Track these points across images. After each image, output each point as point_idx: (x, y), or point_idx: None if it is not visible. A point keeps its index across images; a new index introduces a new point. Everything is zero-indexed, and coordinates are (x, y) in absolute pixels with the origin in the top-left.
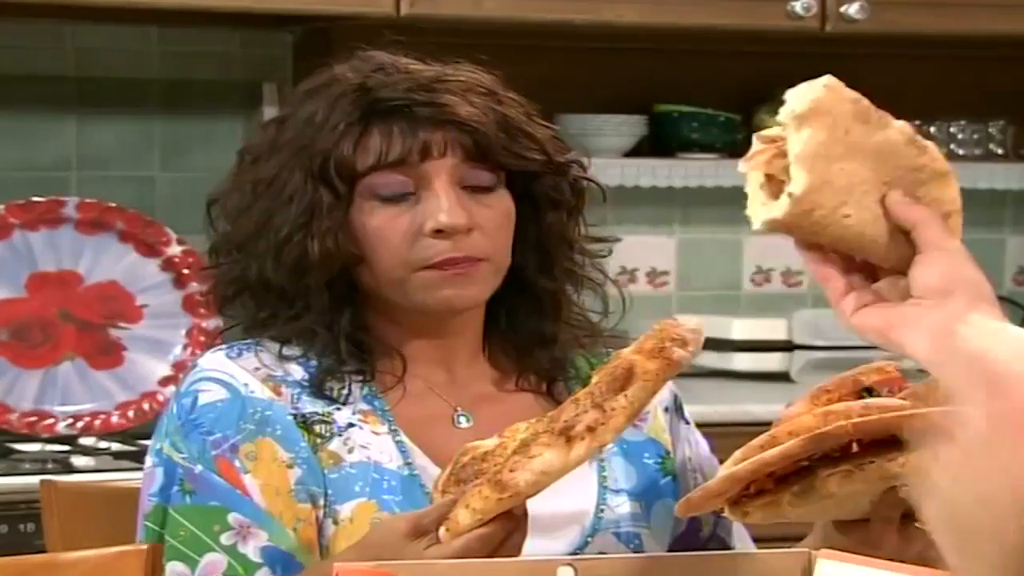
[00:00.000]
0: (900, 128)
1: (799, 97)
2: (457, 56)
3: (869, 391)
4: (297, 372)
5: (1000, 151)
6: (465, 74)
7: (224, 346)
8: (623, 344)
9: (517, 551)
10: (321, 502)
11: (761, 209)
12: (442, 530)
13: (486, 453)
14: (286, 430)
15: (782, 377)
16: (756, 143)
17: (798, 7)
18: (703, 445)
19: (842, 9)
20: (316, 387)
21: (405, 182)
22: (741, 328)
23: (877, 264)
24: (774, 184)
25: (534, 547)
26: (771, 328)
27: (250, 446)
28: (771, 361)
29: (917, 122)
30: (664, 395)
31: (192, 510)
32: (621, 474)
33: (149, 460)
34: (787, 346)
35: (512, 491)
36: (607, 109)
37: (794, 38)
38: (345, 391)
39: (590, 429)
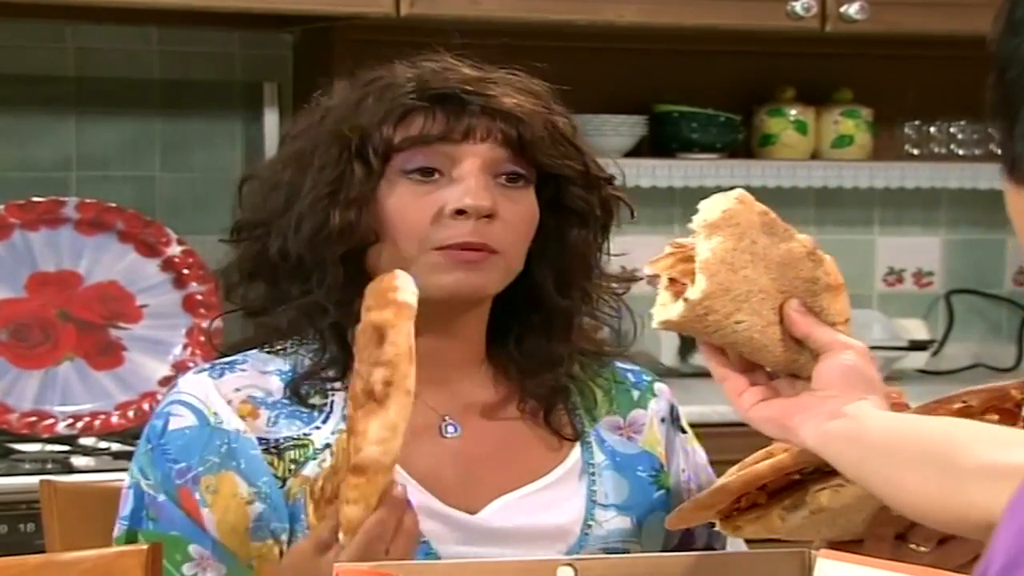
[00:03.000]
0: (802, 241)
1: (711, 207)
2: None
3: None
4: (279, 390)
5: (1000, 151)
6: (520, 78)
7: (207, 365)
8: (627, 357)
9: (414, 533)
10: (284, 536)
11: (660, 309)
12: (340, 534)
13: (332, 468)
14: (250, 464)
15: None
16: (666, 248)
17: (798, 7)
18: (700, 454)
19: (842, 9)
20: (293, 393)
21: (438, 161)
22: None
23: (768, 368)
24: (677, 287)
25: None
26: None
27: (212, 479)
28: None
29: (917, 122)
30: (661, 405)
31: (157, 537)
32: (611, 488)
33: (126, 480)
34: None
35: (373, 467)
36: (607, 109)
37: (794, 38)
38: (327, 407)
39: (388, 383)
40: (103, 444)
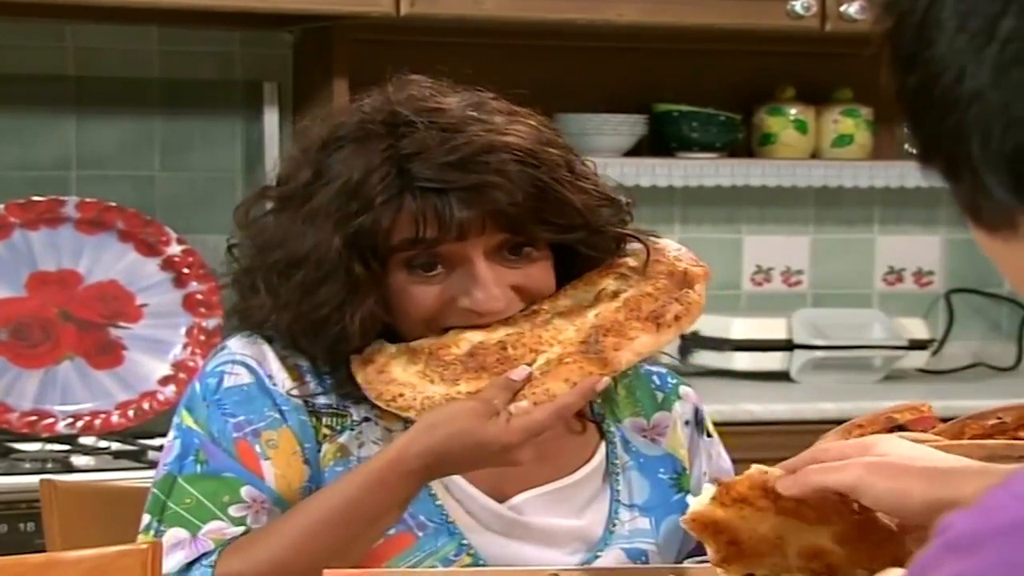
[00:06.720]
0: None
1: None
2: (462, 60)
3: (901, 428)
4: (323, 372)
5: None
6: (502, 138)
7: (249, 332)
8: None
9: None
10: None
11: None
12: (525, 402)
13: (499, 343)
14: (300, 426)
15: (782, 376)
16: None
17: (798, 7)
18: (725, 459)
19: (842, 9)
20: (336, 387)
21: (439, 260)
22: (741, 327)
23: None
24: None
25: (543, 558)
26: (771, 327)
27: (272, 433)
28: (771, 360)
29: None
30: (686, 408)
31: (203, 479)
32: (635, 489)
33: (170, 435)
34: (787, 345)
35: (612, 368)
36: (607, 109)
37: (794, 38)
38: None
39: (677, 318)
40: (103, 443)
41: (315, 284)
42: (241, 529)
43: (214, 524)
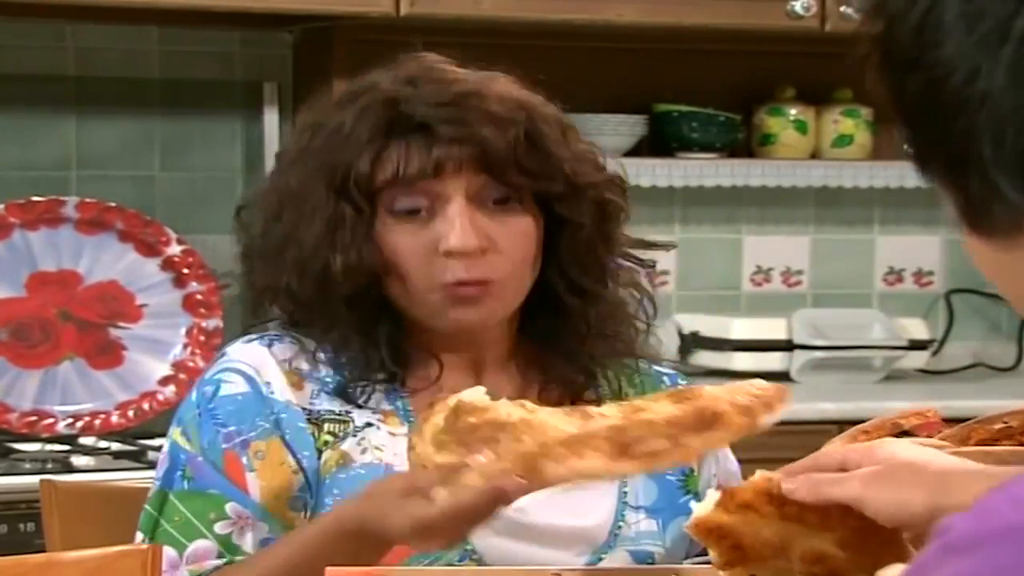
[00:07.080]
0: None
1: None
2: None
3: (907, 434)
4: (326, 373)
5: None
6: (499, 87)
7: (255, 335)
8: (655, 360)
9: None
10: (308, 513)
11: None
12: (440, 490)
13: (504, 424)
14: (296, 435)
15: (782, 377)
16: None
17: (798, 7)
18: (732, 461)
19: (842, 8)
20: (339, 392)
21: (421, 199)
22: (741, 328)
23: None
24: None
25: (547, 559)
26: (771, 328)
27: (261, 444)
28: (771, 361)
29: None
30: None
31: (190, 496)
32: (642, 490)
33: (164, 445)
34: (787, 346)
35: (539, 480)
36: (607, 109)
37: (794, 38)
38: (369, 389)
39: (651, 454)
40: (103, 444)
41: (298, 222)
42: (220, 562)
43: (200, 544)
